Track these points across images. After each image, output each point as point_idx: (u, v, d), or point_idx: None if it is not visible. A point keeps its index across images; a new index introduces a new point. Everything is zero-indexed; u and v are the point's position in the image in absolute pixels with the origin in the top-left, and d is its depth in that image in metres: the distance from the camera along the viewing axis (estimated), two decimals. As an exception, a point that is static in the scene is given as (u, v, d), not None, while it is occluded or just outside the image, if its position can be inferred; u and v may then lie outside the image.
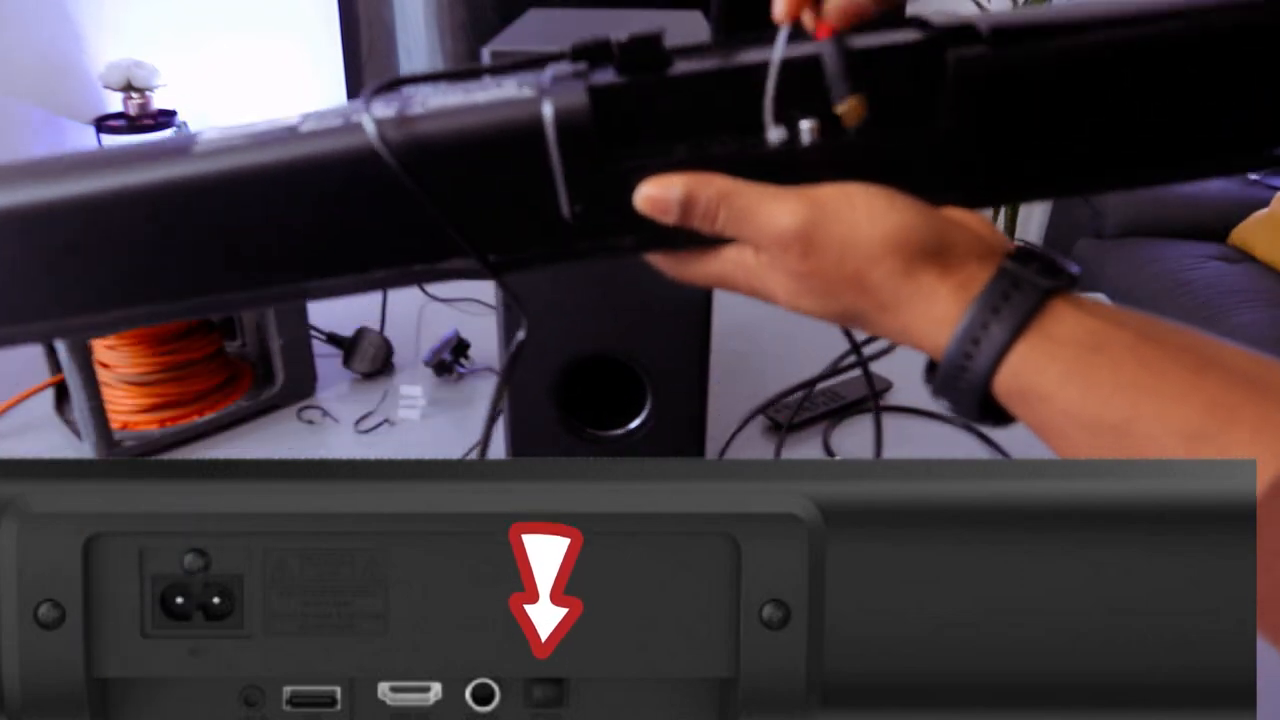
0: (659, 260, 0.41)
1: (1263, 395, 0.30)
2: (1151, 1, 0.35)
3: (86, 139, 2.52)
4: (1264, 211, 2.33)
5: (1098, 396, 0.32)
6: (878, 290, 0.36)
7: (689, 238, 0.38)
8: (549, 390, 0.84)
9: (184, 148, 0.37)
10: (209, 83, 2.62)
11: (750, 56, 0.37)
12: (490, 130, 0.36)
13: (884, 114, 0.36)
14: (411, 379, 1.04)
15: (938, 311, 0.35)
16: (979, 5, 2.41)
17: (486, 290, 1.21)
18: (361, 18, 2.39)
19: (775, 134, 0.36)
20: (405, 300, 1.19)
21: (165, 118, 2.50)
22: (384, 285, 0.40)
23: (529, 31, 0.80)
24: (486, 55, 0.70)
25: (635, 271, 0.43)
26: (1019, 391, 0.34)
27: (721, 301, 0.81)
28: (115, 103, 2.52)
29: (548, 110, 0.36)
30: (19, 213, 0.37)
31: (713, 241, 0.39)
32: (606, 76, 0.37)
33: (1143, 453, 0.31)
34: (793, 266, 0.37)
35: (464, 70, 0.39)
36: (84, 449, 0.87)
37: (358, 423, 0.96)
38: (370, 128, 0.35)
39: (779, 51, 0.36)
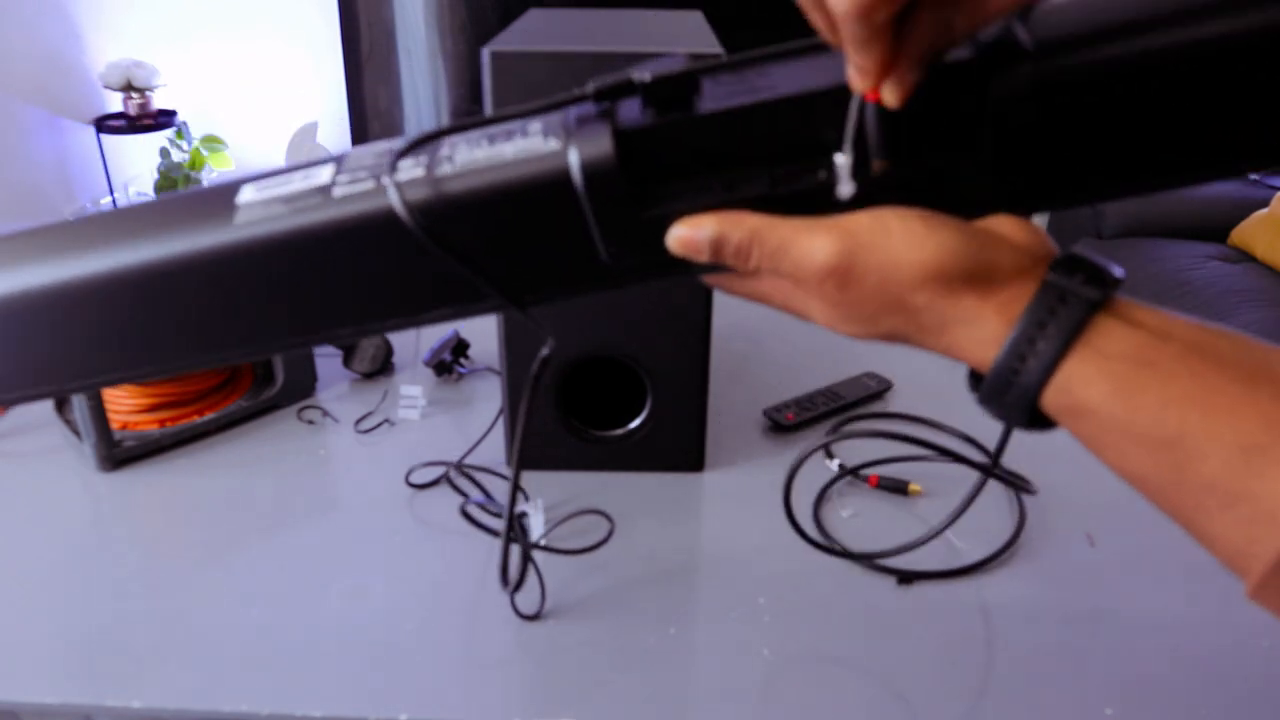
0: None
1: None
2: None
3: (86, 139, 2.52)
4: (1264, 211, 2.33)
5: (1148, 412, 0.32)
6: (920, 314, 0.36)
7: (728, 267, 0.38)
8: (550, 390, 0.84)
9: (224, 214, 0.38)
10: (209, 83, 2.62)
11: (777, 86, 0.36)
12: (519, 186, 0.36)
13: (923, 144, 0.36)
14: (411, 379, 1.04)
15: (983, 333, 0.35)
16: None
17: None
18: (361, 18, 2.39)
19: (847, 188, 0.36)
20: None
21: (165, 118, 2.50)
22: (420, 325, 0.41)
23: (529, 31, 0.80)
24: (486, 55, 0.70)
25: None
26: (1068, 407, 0.34)
27: (721, 303, 0.81)
28: (115, 103, 2.52)
29: (574, 160, 0.35)
30: (71, 287, 0.39)
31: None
32: (632, 116, 0.36)
33: (1197, 467, 0.31)
34: (832, 296, 0.37)
35: (491, 118, 0.38)
36: (84, 449, 0.87)
37: (358, 423, 0.96)
38: (394, 197, 0.35)
39: (853, 115, 0.35)
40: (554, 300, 0.40)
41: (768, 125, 0.36)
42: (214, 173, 2.53)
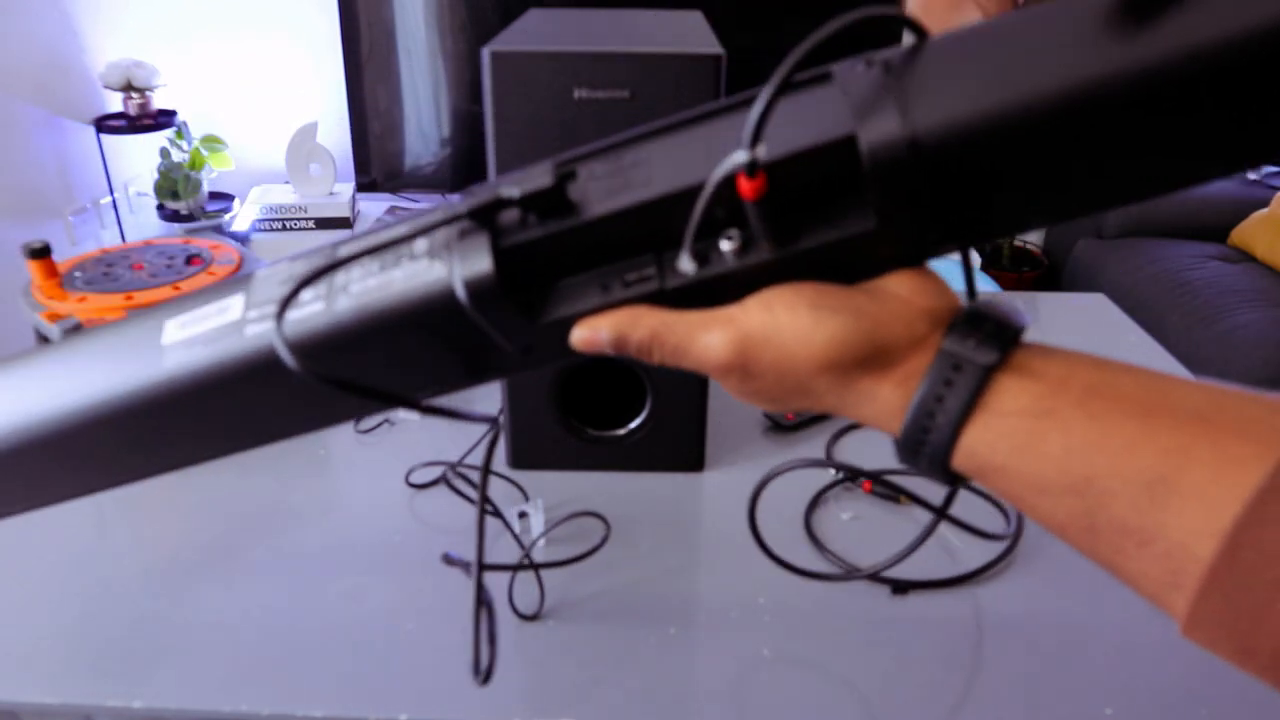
0: None
1: (1216, 430, 0.29)
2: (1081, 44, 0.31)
3: (86, 139, 2.52)
4: (1264, 211, 2.33)
5: (1052, 462, 0.32)
6: (823, 397, 0.37)
7: None
8: (549, 391, 0.84)
9: (152, 355, 0.43)
10: (209, 83, 2.62)
11: (653, 180, 0.36)
12: (412, 312, 0.38)
13: (804, 222, 0.35)
14: (411, 379, 1.04)
15: (885, 406, 0.36)
16: None
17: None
18: (361, 18, 2.39)
19: (688, 265, 0.36)
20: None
21: (165, 118, 2.50)
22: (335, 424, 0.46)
23: (529, 31, 0.80)
24: (486, 55, 0.70)
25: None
26: (977, 469, 0.34)
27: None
28: (115, 103, 2.52)
29: (458, 281, 0.36)
30: (21, 428, 0.45)
31: None
32: (513, 225, 0.37)
33: (1108, 509, 0.31)
34: (736, 386, 0.38)
35: (380, 245, 0.39)
36: (84, 449, 0.87)
37: (358, 423, 0.96)
38: (283, 351, 0.37)
39: (701, 207, 0.35)
40: (480, 384, 0.43)
41: (648, 221, 0.36)
42: (214, 173, 2.53)
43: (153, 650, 0.67)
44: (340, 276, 0.39)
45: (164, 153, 2.47)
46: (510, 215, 0.37)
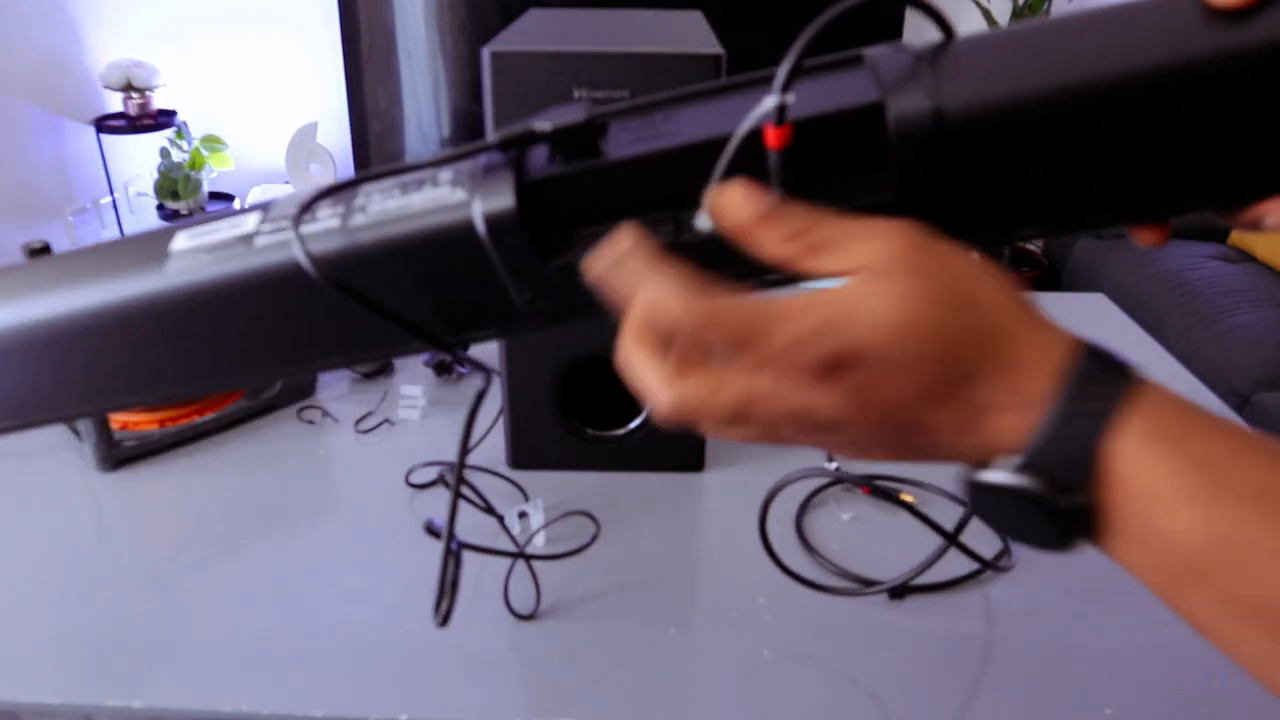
0: None
1: None
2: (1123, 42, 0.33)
3: (86, 139, 2.52)
4: (1264, 211, 2.33)
5: (1211, 478, 0.28)
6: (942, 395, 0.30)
7: None
8: (549, 391, 0.84)
9: (157, 262, 0.41)
10: (209, 83, 2.62)
11: (681, 132, 0.36)
12: (426, 238, 0.37)
13: (826, 188, 0.35)
14: (411, 379, 1.04)
15: (1014, 413, 0.30)
16: (979, 4, 2.41)
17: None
18: (361, 18, 2.39)
19: (705, 222, 0.35)
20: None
21: (165, 118, 2.50)
22: (358, 363, 0.42)
23: (529, 31, 0.80)
24: (486, 55, 0.70)
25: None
26: (1121, 492, 0.29)
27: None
28: (115, 103, 2.52)
29: (477, 211, 0.36)
30: (12, 331, 0.42)
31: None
32: (539, 165, 0.37)
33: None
34: (832, 406, 0.31)
35: (408, 166, 0.39)
36: (84, 449, 0.87)
37: (358, 423, 0.96)
38: (299, 252, 0.36)
39: (724, 162, 0.34)
40: (478, 341, 0.41)
41: (673, 171, 0.36)
42: (214, 173, 2.53)
43: (153, 650, 0.67)
44: (360, 198, 0.38)
45: (164, 153, 2.47)
46: (537, 158, 0.37)
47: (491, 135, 0.36)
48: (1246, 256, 2.33)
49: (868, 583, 0.74)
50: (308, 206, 0.37)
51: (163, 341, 0.41)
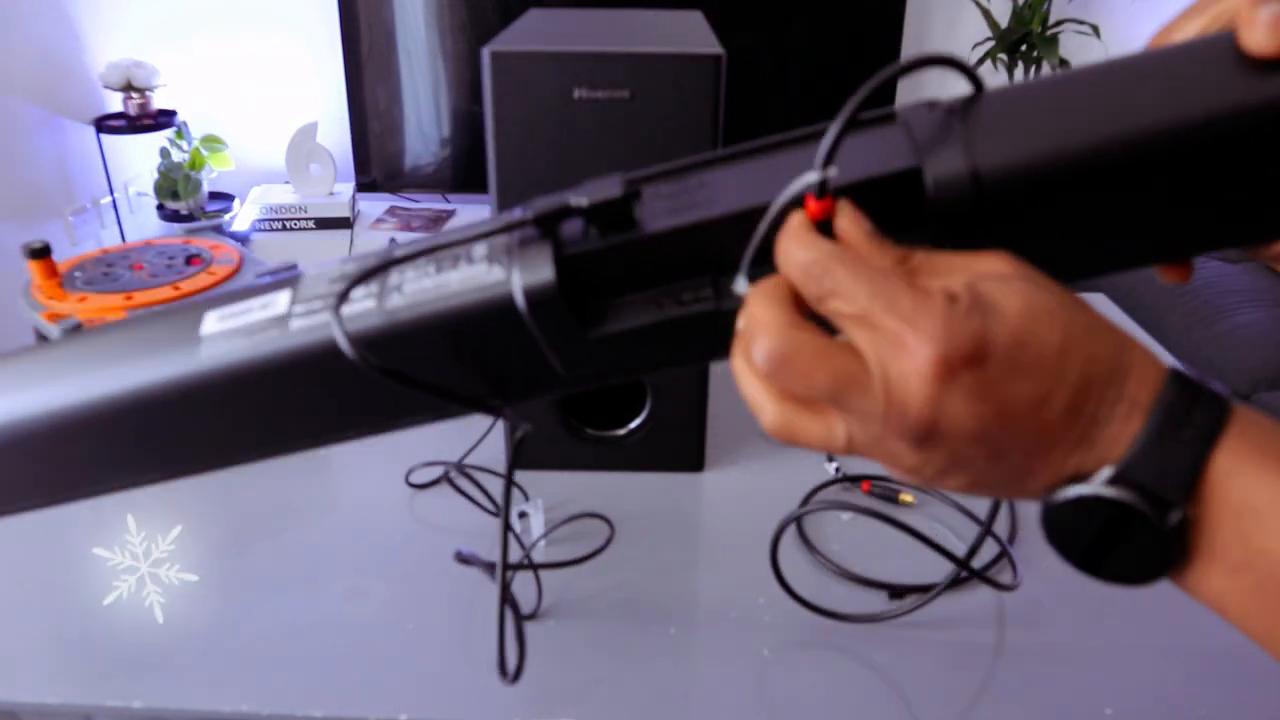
0: None
1: None
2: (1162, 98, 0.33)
3: (86, 139, 2.52)
4: (1264, 211, 2.33)
5: None
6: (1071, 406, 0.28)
7: (698, 355, 0.39)
8: (549, 390, 0.84)
9: (189, 346, 0.41)
10: (209, 83, 2.62)
11: (716, 200, 0.36)
12: (466, 315, 0.37)
13: None
14: (411, 379, 1.04)
15: (1120, 428, 0.28)
16: (981, 7, 2.41)
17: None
18: (361, 18, 2.39)
19: (744, 286, 0.36)
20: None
21: (165, 118, 2.50)
22: (398, 429, 0.43)
23: (529, 31, 0.80)
24: (486, 55, 0.70)
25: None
26: (1225, 511, 0.27)
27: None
28: (115, 103, 2.52)
29: (517, 287, 0.36)
30: (44, 418, 0.43)
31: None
32: (574, 237, 0.37)
33: None
34: (960, 413, 0.29)
35: (436, 246, 0.39)
36: (84, 449, 0.87)
37: (358, 423, 0.96)
38: (341, 339, 0.36)
39: (764, 226, 0.34)
40: (519, 402, 0.42)
41: (710, 240, 0.36)
42: (214, 173, 2.53)
43: (153, 650, 0.67)
44: (394, 277, 0.39)
45: (164, 153, 2.47)
46: (571, 229, 0.37)
47: (526, 210, 0.37)
48: (1246, 257, 2.33)
49: (868, 583, 0.74)
50: (345, 293, 0.38)
51: (194, 424, 0.42)
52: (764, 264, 0.35)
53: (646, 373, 0.39)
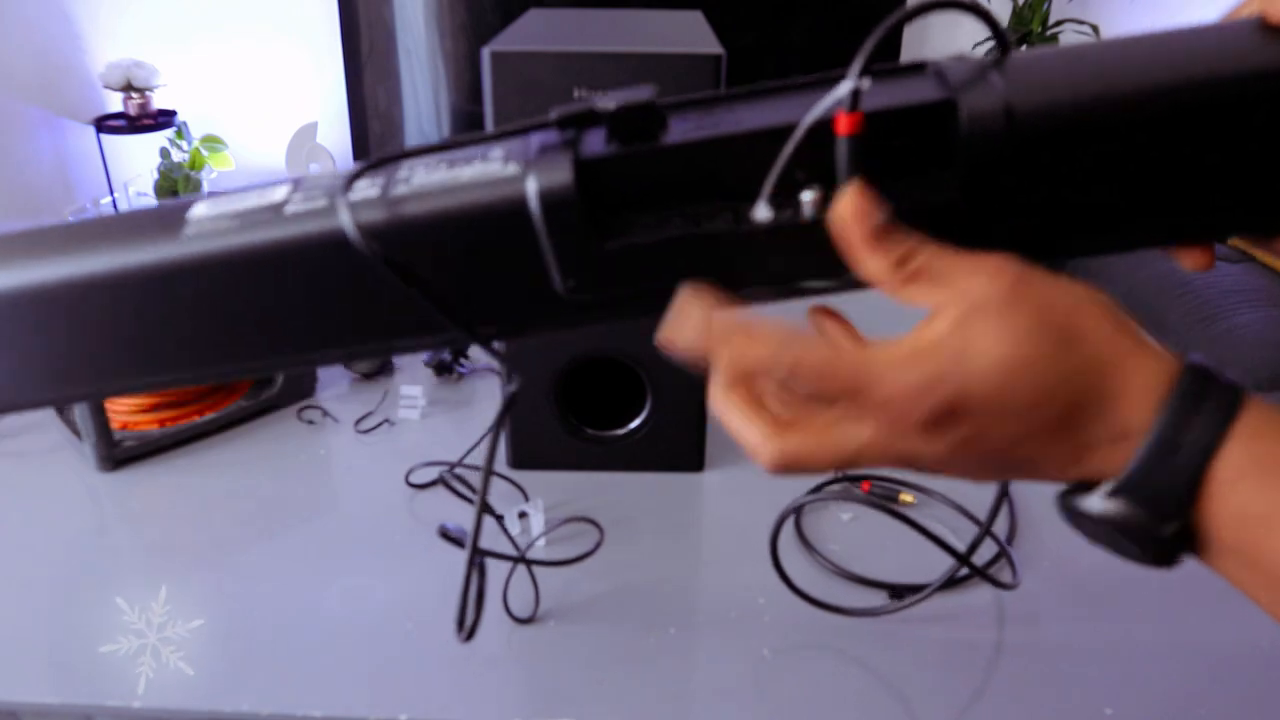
0: None
1: None
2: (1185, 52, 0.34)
3: (86, 139, 2.52)
4: (1264, 211, 2.33)
5: None
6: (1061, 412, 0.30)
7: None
8: (549, 390, 0.84)
9: (174, 227, 0.37)
10: (209, 83, 2.62)
11: (743, 122, 0.35)
12: (474, 211, 0.35)
13: (892, 181, 0.34)
14: (411, 379, 1.04)
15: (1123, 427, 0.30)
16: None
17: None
18: (361, 18, 2.39)
19: (765, 212, 0.35)
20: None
21: (165, 118, 2.50)
22: (376, 355, 0.40)
23: (529, 31, 0.80)
24: (486, 55, 0.70)
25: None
26: (1226, 516, 0.29)
27: (722, 301, 0.81)
28: (115, 103, 2.52)
29: (532, 187, 0.34)
30: (24, 293, 0.38)
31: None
32: (595, 146, 0.35)
33: None
34: (938, 442, 0.32)
35: (453, 142, 0.37)
36: (84, 449, 0.87)
37: (358, 423, 0.96)
38: (346, 217, 0.34)
39: (791, 145, 0.34)
40: (511, 336, 0.39)
41: (733, 159, 0.35)
42: (214, 173, 2.53)
43: (152, 650, 0.67)
44: (403, 170, 0.36)
45: (164, 153, 2.47)
46: (591, 142, 0.35)
47: (551, 114, 0.35)
48: (1246, 256, 2.33)
49: (868, 583, 0.74)
50: (354, 176, 0.35)
51: (171, 315, 0.38)
52: (788, 190, 0.34)
53: (648, 309, 0.37)
